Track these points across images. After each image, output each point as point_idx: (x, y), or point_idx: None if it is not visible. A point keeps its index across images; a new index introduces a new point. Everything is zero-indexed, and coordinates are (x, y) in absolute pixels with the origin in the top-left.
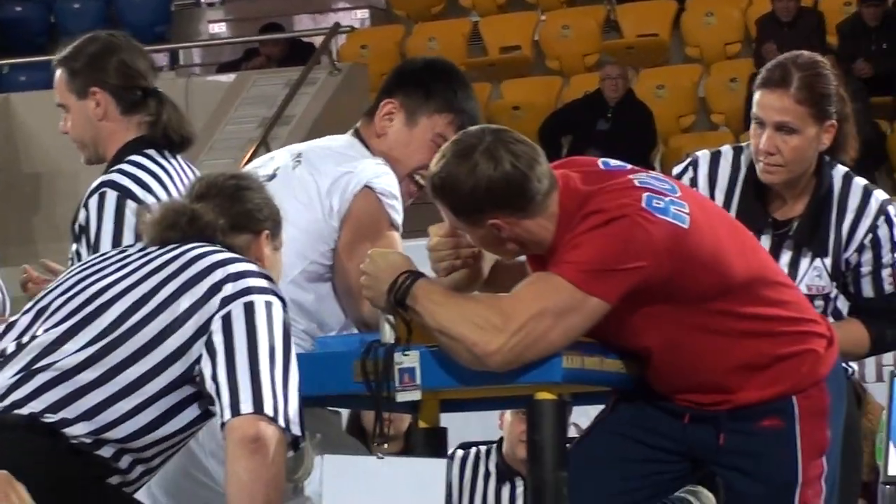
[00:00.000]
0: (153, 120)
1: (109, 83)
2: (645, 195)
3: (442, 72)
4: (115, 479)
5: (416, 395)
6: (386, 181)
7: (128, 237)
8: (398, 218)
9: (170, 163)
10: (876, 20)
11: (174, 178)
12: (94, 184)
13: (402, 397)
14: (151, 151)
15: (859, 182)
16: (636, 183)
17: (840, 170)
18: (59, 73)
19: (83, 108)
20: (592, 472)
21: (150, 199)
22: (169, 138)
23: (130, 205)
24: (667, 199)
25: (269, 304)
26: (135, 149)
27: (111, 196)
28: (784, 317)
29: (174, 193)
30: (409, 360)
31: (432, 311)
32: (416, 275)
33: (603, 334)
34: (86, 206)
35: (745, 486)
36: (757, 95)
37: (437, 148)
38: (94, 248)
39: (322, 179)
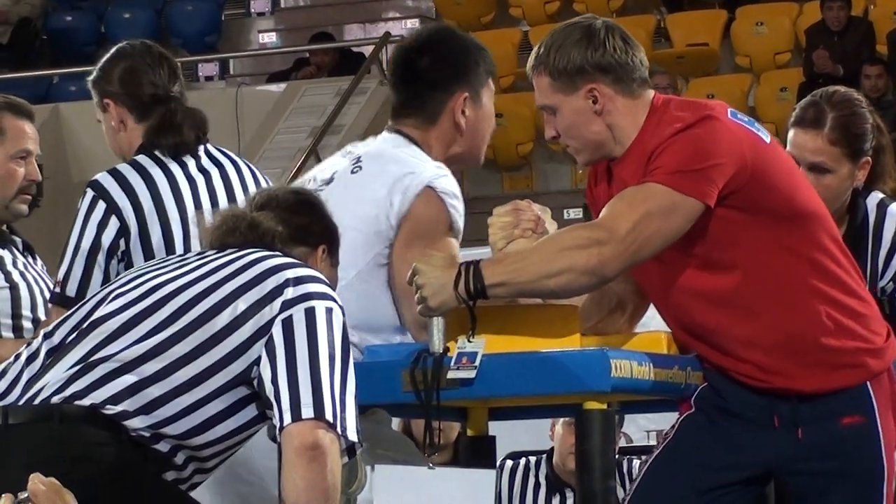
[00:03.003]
0: (156, 122)
1: (120, 94)
2: (729, 109)
3: (459, 40)
4: (170, 475)
5: (470, 374)
6: (448, 182)
7: (88, 238)
8: (459, 220)
9: (181, 163)
10: None
11: (177, 179)
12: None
13: (453, 374)
14: (160, 152)
15: (894, 210)
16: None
17: (874, 198)
18: None
19: (106, 122)
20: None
21: (125, 203)
22: (170, 137)
23: (101, 205)
24: (750, 119)
25: (329, 310)
26: (145, 149)
27: (88, 196)
28: (851, 286)
29: (167, 195)
30: (472, 345)
31: (521, 269)
32: (473, 260)
33: (690, 258)
34: None
35: (831, 490)
36: (791, 134)
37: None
38: (65, 244)
39: (382, 180)
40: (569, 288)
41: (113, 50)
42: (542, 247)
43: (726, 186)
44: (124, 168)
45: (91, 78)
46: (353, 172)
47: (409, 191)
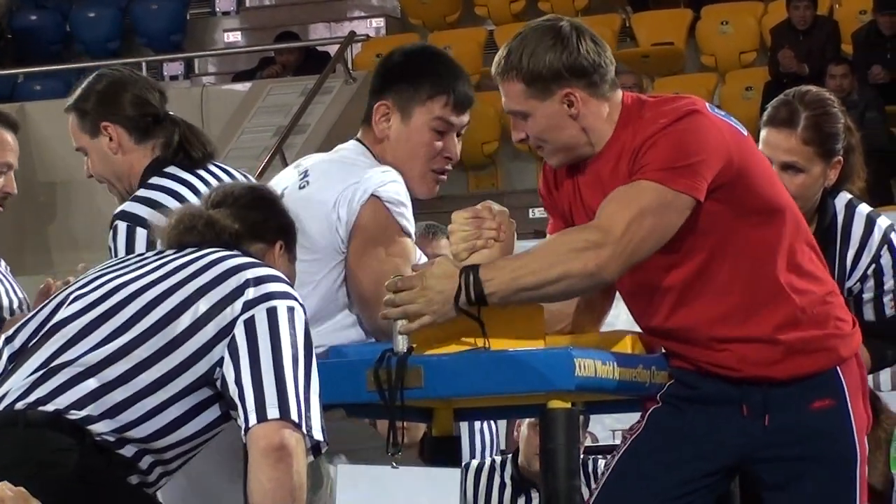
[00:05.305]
0: (166, 140)
1: (119, 115)
2: (707, 104)
3: (422, 57)
4: (134, 479)
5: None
6: (393, 188)
7: None
8: (409, 225)
9: (197, 175)
10: (891, 29)
11: (199, 191)
12: (113, 216)
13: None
14: (172, 169)
15: (862, 211)
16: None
17: (843, 198)
18: (70, 117)
19: (98, 146)
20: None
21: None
22: (187, 153)
23: (140, 232)
24: (727, 113)
25: (291, 309)
26: (155, 170)
27: (122, 228)
28: (819, 275)
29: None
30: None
31: (521, 277)
32: (471, 267)
33: (664, 255)
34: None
35: (804, 475)
36: (763, 133)
37: (439, 135)
38: None
39: (328, 194)
40: (569, 292)
41: (106, 78)
42: (539, 253)
43: (713, 181)
44: (145, 192)
45: (85, 107)
46: (300, 188)
47: (354, 202)
